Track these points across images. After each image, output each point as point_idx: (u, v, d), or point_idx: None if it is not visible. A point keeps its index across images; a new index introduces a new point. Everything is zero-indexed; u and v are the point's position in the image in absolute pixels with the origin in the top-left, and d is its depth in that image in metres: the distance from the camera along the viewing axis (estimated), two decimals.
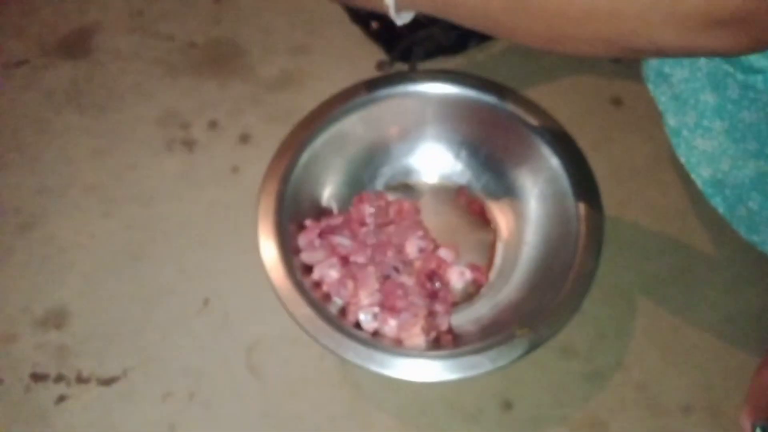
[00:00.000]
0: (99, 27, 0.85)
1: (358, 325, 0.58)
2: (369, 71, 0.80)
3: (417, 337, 0.56)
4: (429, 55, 0.80)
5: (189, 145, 0.75)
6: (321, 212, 0.65)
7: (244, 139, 0.76)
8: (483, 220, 0.68)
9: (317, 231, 0.62)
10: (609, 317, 0.63)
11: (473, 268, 0.64)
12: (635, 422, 0.58)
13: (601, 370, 0.60)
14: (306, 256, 0.60)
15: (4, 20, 0.86)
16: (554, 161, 0.62)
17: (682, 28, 0.37)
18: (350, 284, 0.59)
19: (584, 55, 0.46)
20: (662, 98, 0.60)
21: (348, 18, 0.83)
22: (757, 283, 0.64)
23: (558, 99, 0.76)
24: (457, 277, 0.63)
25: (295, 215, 0.62)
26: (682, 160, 0.58)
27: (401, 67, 0.80)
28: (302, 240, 0.61)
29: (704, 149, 0.56)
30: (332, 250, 0.61)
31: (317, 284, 0.59)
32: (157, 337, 0.63)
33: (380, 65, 0.81)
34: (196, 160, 0.74)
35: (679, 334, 0.62)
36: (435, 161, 0.70)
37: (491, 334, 0.55)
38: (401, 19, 0.54)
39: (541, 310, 0.55)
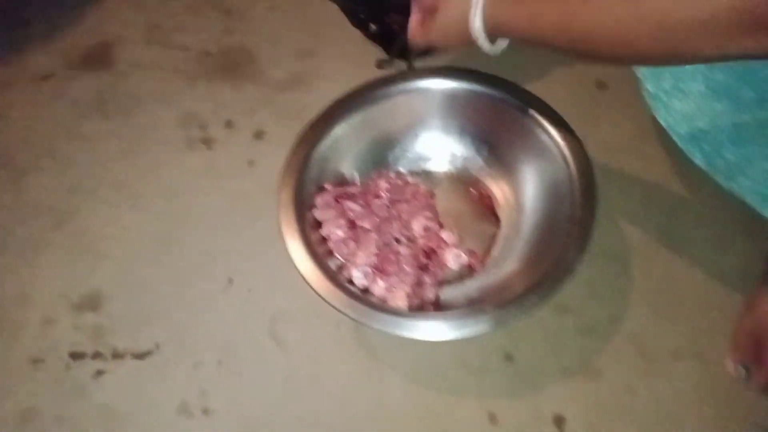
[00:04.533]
0: (119, 40, 0.93)
1: (351, 282, 0.63)
2: (370, 69, 0.87)
3: (400, 300, 0.62)
4: (424, 52, 0.86)
5: (208, 143, 0.82)
6: (343, 182, 0.72)
7: (259, 135, 0.82)
8: (491, 214, 0.73)
9: (334, 194, 0.68)
10: (601, 277, 0.68)
11: (471, 253, 0.69)
12: (628, 369, 0.63)
13: (595, 324, 0.66)
14: (318, 213, 0.66)
15: (30, 37, 0.94)
16: (562, 167, 0.65)
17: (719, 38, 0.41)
18: (351, 245, 0.65)
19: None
20: (640, 66, 0.64)
21: (348, 22, 0.90)
22: (740, 240, 0.69)
23: (548, 86, 0.83)
24: (453, 259, 0.69)
25: (318, 180, 0.68)
26: (662, 122, 0.63)
27: (400, 64, 0.86)
28: (318, 200, 0.67)
29: (681, 110, 0.61)
30: (342, 212, 0.67)
31: (323, 240, 0.65)
32: (186, 314, 0.69)
33: (380, 63, 0.87)
34: (215, 156, 0.81)
35: (668, 289, 0.67)
36: (456, 153, 0.76)
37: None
38: (494, 50, 0.60)
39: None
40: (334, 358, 0.65)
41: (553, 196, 0.67)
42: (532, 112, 0.69)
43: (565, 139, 0.67)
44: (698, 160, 0.62)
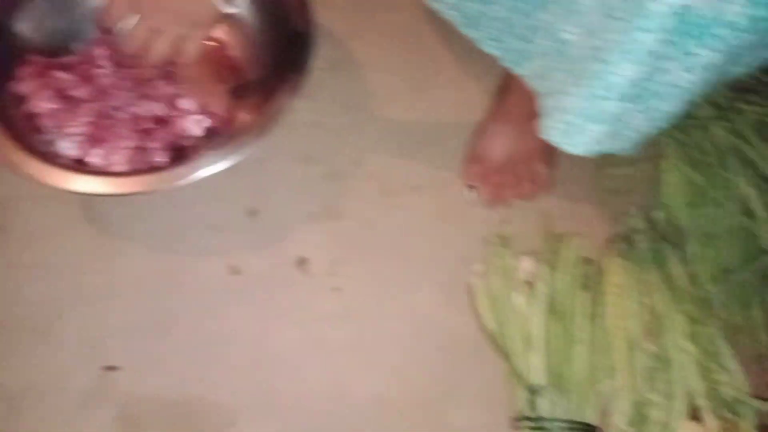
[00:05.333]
0: None
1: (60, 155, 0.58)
2: None
3: (119, 165, 0.58)
4: None
5: None
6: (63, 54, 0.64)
7: None
8: (232, 73, 0.69)
9: (42, 66, 0.60)
10: (345, 126, 0.68)
11: (211, 115, 0.65)
12: (369, 206, 0.64)
13: (339, 169, 0.66)
14: (20, 86, 0.59)
15: None
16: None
17: None
18: (61, 115, 0.59)
19: None
20: None
21: None
22: (479, 79, 0.71)
23: None
24: (195, 125, 0.65)
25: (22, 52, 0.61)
26: None
27: None
28: (22, 72, 0.60)
29: None
30: (49, 83, 0.60)
31: (30, 116, 0.59)
32: None
33: None
34: None
35: (409, 131, 0.69)
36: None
37: None
38: None
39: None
40: (63, 240, 0.60)
41: (277, 38, 0.65)
42: None
43: None
44: (442, 11, 0.62)
